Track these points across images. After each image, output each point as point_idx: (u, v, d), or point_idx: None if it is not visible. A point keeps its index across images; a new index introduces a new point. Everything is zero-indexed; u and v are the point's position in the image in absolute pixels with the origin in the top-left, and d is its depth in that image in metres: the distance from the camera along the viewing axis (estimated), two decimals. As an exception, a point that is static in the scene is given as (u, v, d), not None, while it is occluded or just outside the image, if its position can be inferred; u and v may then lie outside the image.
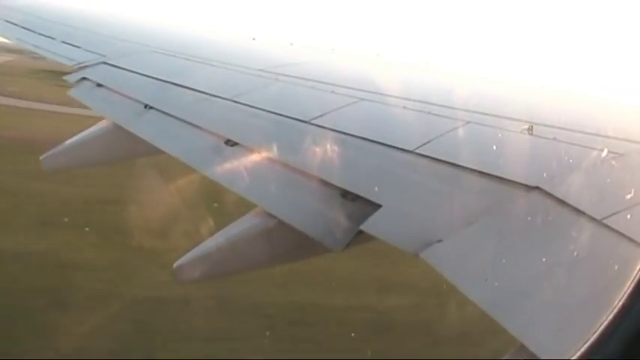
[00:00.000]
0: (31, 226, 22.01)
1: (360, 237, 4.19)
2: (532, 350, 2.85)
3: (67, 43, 9.61)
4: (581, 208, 3.75)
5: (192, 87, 7.04)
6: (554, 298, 3.20)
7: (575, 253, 3.49)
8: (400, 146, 4.88)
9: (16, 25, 10.96)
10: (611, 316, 2.62)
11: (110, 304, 16.44)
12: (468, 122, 5.38)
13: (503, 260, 3.58)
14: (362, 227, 4.08)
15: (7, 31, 11.02)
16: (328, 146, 5.23)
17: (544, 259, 3.53)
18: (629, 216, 3.64)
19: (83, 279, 18.11)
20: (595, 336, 2.64)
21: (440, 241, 3.68)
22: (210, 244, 4.99)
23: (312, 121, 5.61)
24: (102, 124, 7.38)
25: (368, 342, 16.76)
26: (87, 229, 22.70)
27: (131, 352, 14.95)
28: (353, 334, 17.23)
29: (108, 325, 15.34)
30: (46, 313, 15.79)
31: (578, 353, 2.70)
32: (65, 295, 16.91)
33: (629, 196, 3.87)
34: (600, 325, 2.62)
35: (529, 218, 3.91)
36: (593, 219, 3.64)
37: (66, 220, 23.39)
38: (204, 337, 16.07)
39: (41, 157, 7.61)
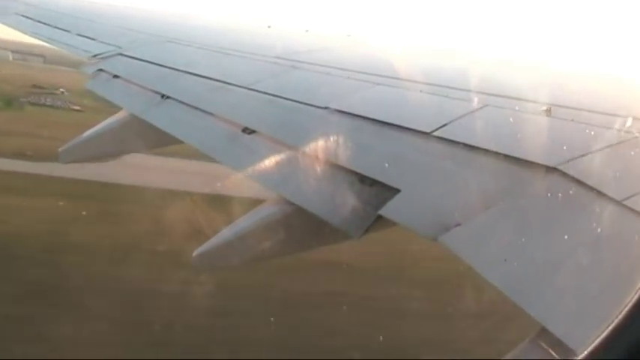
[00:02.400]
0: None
1: (378, 222, 4.19)
2: (556, 335, 2.83)
3: (83, 36, 9.65)
4: (600, 189, 3.72)
5: (208, 76, 7.05)
6: (574, 281, 3.18)
7: (594, 235, 3.47)
8: (418, 129, 4.86)
9: (31, 19, 11.01)
10: (635, 299, 2.61)
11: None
12: (486, 105, 5.35)
13: (523, 243, 3.57)
14: (381, 212, 4.08)
15: (23, 26, 11.07)
16: (345, 132, 5.23)
17: (563, 242, 3.51)
18: None
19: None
20: (617, 320, 2.63)
21: (458, 224, 3.67)
22: (229, 232, 5.01)
23: (329, 107, 5.60)
24: (119, 116, 7.41)
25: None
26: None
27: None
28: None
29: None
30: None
31: (601, 338, 2.69)
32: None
33: None
34: (624, 308, 2.60)
35: (548, 200, 3.90)
36: (612, 200, 3.62)
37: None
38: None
39: (59, 150, 7.65)
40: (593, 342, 2.65)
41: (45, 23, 10.67)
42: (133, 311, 16.72)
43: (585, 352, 2.65)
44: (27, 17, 11.14)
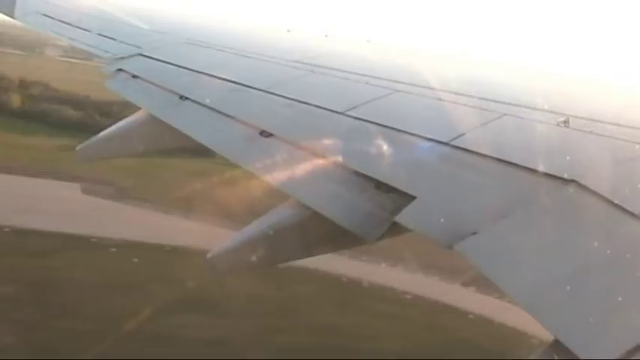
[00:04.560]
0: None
1: (394, 228, 4.19)
2: (570, 348, 2.82)
3: (103, 36, 9.70)
4: (618, 202, 3.70)
5: (227, 78, 7.07)
6: (590, 295, 3.17)
7: (612, 248, 3.45)
8: (435, 138, 4.86)
9: (52, 18, 11.07)
10: None
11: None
12: (504, 114, 5.34)
13: (538, 254, 3.56)
14: (396, 219, 4.08)
15: (44, 25, 11.13)
16: (362, 137, 5.23)
17: (580, 254, 3.50)
18: None
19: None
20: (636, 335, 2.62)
21: (475, 233, 3.67)
22: (243, 235, 5.02)
23: (347, 113, 5.61)
24: (137, 115, 7.45)
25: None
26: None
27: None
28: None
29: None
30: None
31: (619, 353, 2.68)
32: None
33: None
34: None
35: (565, 212, 3.88)
36: (630, 213, 3.60)
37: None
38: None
39: (77, 148, 7.70)
40: (609, 356, 2.65)
41: (66, 22, 10.73)
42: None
43: (618, 353, 2.65)
44: (47, 16, 11.20)
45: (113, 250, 39.42)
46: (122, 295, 32.40)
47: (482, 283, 41.20)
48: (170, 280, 35.12)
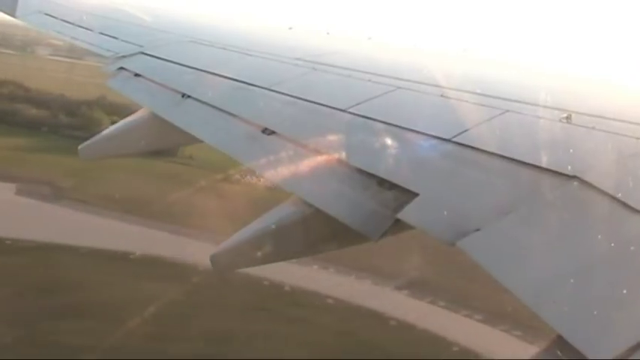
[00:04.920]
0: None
1: (396, 225, 4.19)
2: (573, 345, 2.81)
3: (105, 34, 9.70)
4: (620, 197, 3.70)
5: (229, 76, 7.07)
6: (594, 291, 3.17)
7: (615, 244, 3.45)
8: (438, 135, 4.85)
9: (54, 17, 11.07)
10: None
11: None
12: (506, 111, 5.34)
13: (542, 251, 3.55)
14: (399, 216, 4.08)
15: (45, 24, 11.14)
16: (365, 135, 5.23)
17: (583, 250, 3.50)
18: None
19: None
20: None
21: (477, 230, 3.66)
22: (246, 233, 5.02)
23: (349, 110, 5.61)
24: (139, 114, 7.45)
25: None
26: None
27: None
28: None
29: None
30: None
31: (623, 350, 2.68)
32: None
33: None
34: None
35: (568, 208, 3.88)
36: (632, 209, 3.60)
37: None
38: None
39: (79, 147, 7.70)
40: (612, 352, 2.65)
41: (67, 22, 10.73)
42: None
43: (621, 350, 2.65)
44: (49, 15, 11.20)
45: (32, 252, 39.43)
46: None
47: (417, 288, 41.32)
48: (73, 284, 35.38)
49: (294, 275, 40.40)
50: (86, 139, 7.78)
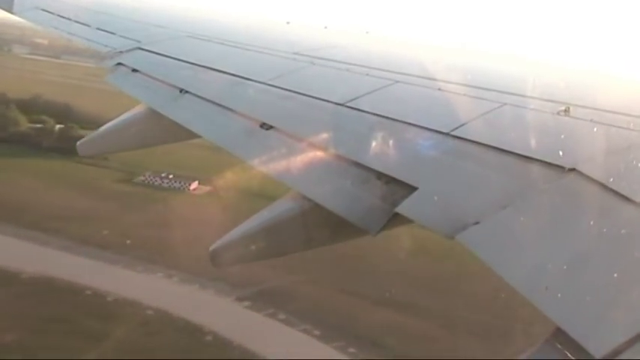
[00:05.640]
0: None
1: (395, 219, 4.19)
2: (572, 336, 2.82)
3: (102, 30, 9.67)
4: (618, 189, 3.71)
5: (227, 71, 7.06)
6: (591, 282, 3.18)
7: (613, 236, 3.46)
8: (436, 128, 4.86)
9: (51, 13, 11.05)
10: None
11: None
12: (504, 104, 5.34)
13: (540, 243, 3.56)
14: (397, 209, 4.08)
15: (42, 20, 11.11)
16: (363, 129, 5.23)
17: (581, 242, 3.50)
18: None
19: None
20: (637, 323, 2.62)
21: (477, 223, 3.67)
22: (245, 227, 5.02)
23: (348, 104, 5.60)
24: (137, 109, 7.44)
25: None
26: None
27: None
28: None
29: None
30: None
31: (621, 341, 2.69)
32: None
33: None
34: None
35: (565, 200, 3.89)
36: (630, 201, 3.61)
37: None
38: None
39: (77, 143, 7.70)
40: (611, 343, 2.65)
41: (64, 17, 10.70)
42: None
43: (603, 353, 2.65)
44: (46, 11, 11.18)
45: None
46: None
47: (260, 299, 40.61)
48: None
49: (130, 283, 39.90)
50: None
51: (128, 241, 46.88)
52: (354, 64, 6.89)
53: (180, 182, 62.85)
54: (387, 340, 37.80)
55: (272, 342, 36.63)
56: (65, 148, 64.88)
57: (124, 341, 35.52)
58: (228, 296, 41.51)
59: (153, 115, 6.98)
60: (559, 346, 2.86)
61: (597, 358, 2.69)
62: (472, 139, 4.60)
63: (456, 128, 4.77)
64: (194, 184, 62.98)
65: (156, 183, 63.15)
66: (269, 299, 41.14)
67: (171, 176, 63.07)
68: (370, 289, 42.21)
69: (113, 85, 7.96)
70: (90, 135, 7.81)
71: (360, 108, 5.52)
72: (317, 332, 38.70)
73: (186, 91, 6.74)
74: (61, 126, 71.23)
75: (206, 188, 62.74)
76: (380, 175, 4.45)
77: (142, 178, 63.45)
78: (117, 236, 48.38)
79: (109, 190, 58.39)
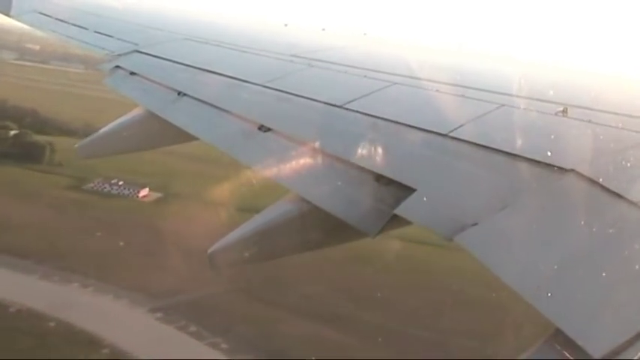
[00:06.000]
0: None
1: (394, 221, 4.19)
2: (570, 336, 2.82)
3: (100, 33, 9.66)
4: (617, 190, 3.71)
5: (225, 73, 7.06)
6: (589, 282, 3.18)
7: (611, 237, 3.46)
8: (434, 130, 4.86)
9: (49, 16, 11.04)
10: None
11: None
12: (502, 105, 5.35)
13: (539, 244, 3.56)
14: (396, 211, 4.08)
15: (40, 23, 11.11)
16: (361, 130, 5.23)
17: (580, 243, 3.51)
18: None
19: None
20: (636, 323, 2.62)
21: (475, 224, 3.67)
22: (243, 230, 5.02)
23: (346, 106, 5.60)
24: (136, 112, 7.43)
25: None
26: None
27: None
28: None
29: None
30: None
31: (618, 341, 2.69)
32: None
33: None
34: None
35: (564, 201, 3.89)
36: (629, 201, 3.61)
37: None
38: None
39: (76, 145, 7.69)
40: (609, 344, 2.65)
41: (62, 20, 10.70)
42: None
43: (601, 354, 2.65)
44: (44, 14, 11.17)
45: None
46: None
47: (175, 311, 39.55)
48: None
49: (41, 294, 39.24)
50: None
51: (55, 250, 46.05)
52: (352, 66, 6.89)
53: (129, 189, 60.81)
54: (299, 353, 36.06)
55: (173, 355, 35.49)
56: (18, 154, 65.06)
57: (9, 354, 34.61)
58: (142, 307, 40.50)
59: (151, 117, 6.98)
60: (558, 346, 2.86)
61: (596, 358, 2.69)
62: (470, 140, 4.60)
63: (454, 130, 4.77)
64: (144, 191, 60.98)
65: (105, 190, 61.49)
66: (185, 311, 39.68)
67: (121, 183, 60.77)
68: (298, 301, 41.13)
69: (109, 88, 7.95)
70: (89, 137, 7.81)
71: (358, 110, 5.52)
72: (225, 346, 37.61)
73: (185, 94, 6.74)
74: (16, 132, 70.44)
75: (156, 195, 61.60)
76: (378, 177, 4.45)
77: (92, 185, 61.47)
78: (43, 245, 47.37)
79: (54, 198, 57.12)
